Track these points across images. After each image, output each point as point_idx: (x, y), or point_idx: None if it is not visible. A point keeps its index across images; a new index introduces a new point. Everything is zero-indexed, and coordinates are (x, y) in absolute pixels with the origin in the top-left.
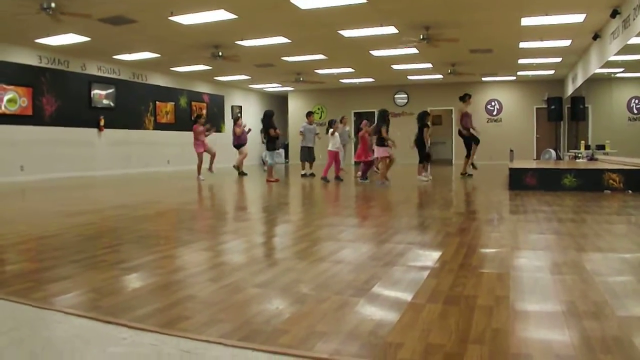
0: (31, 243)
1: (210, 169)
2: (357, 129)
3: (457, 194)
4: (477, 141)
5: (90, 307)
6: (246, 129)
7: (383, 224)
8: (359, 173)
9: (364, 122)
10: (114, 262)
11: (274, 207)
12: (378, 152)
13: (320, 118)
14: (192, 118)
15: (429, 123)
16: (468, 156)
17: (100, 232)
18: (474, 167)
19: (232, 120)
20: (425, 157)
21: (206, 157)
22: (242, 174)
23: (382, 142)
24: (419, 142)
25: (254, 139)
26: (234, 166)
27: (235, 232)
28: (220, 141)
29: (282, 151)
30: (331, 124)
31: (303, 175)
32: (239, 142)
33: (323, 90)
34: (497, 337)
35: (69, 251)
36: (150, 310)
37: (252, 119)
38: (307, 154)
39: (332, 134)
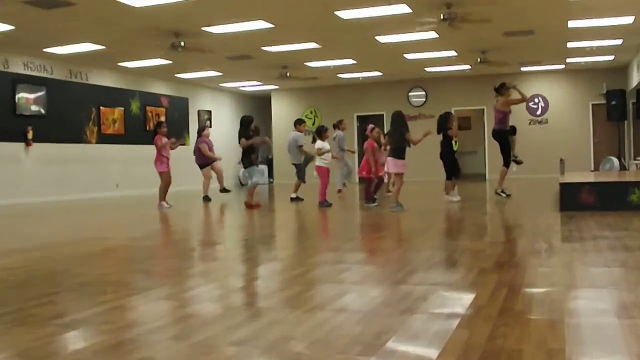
0: None
1: (222, 188)
2: (362, 137)
3: (492, 217)
4: (513, 132)
5: None
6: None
7: (398, 260)
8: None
9: (370, 127)
10: (48, 316)
11: (255, 240)
12: (393, 165)
13: (313, 125)
14: (149, 127)
15: (453, 127)
16: (507, 164)
17: (30, 278)
18: (517, 161)
19: (197, 130)
20: (454, 172)
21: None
22: (206, 198)
23: (399, 153)
24: (445, 153)
25: (228, 154)
26: (220, 190)
27: (206, 275)
28: (186, 156)
29: (263, 168)
30: (320, 131)
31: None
32: (203, 160)
33: (316, 89)
34: None
35: None
36: None
37: (225, 126)
38: (297, 172)
39: (319, 153)
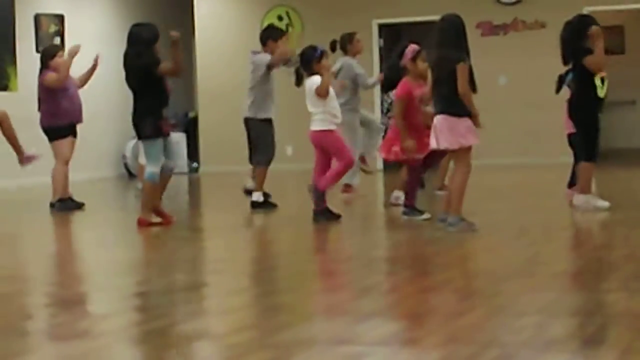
0: None
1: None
2: (391, 72)
3: None
4: None
5: None
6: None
7: (470, 334)
8: (395, 196)
9: (411, 49)
10: None
11: (166, 294)
12: (447, 133)
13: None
14: None
15: (597, 48)
16: None
17: None
18: None
19: (40, 57)
20: (592, 146)
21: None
22: (63, 204)
23: (455, 106)
24: (582, 104)
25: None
26: (55, 203)
27: None
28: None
29: (178, 138)
30: (310, 58)
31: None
32: (55, 119)
33: None
34: None
35: None
36: None
37: (94, 51)
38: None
39: (324, 91)
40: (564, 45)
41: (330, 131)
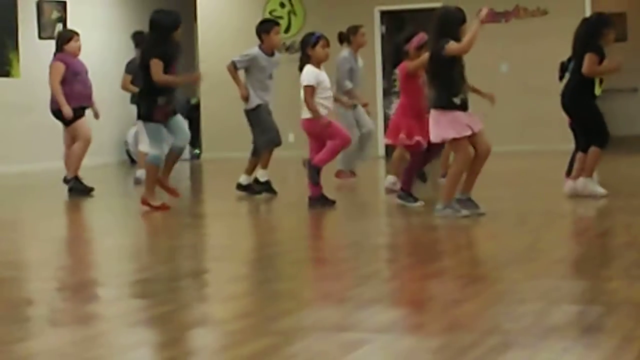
0: None
1: (71, 178)
2: (393, 62)
3: None
4: None
5: None
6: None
7: (470, 322)
8: (391, 181)
9: (418, 37)
10: None
11: (166, 280)
12: (434, 127)
13: (286, 32)
14: None
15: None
16: None
17: None
18: None
19: (56, 41)
20: (599, 135)
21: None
22: (79, 188)
23: (442, 99)
24: (583, 99)
25: (108, 95)
26: (66, 181)
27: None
28: (12, 100)
29: (182, 122)
30: (306, 43)
31: (253, 187)
32: (71, 97)
33: None
34: None
35: None
36: None
37: (97, 39)
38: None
39: (309, 103)
40: (577, 41)
41: (313, 121)
